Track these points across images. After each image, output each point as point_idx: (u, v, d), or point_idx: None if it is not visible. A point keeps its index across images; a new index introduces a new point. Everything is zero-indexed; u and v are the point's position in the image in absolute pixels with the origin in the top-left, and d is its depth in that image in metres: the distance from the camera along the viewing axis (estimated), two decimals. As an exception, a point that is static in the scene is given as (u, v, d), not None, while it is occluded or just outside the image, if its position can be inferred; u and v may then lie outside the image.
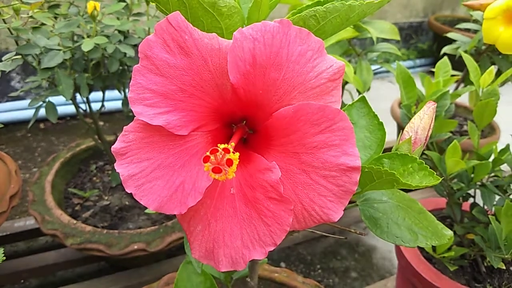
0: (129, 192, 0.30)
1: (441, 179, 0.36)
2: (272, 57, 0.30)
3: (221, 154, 0.27)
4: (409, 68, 2.82)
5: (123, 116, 2.00)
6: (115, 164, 0.30)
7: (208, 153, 0.27)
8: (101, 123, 1.90)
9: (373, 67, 1.18)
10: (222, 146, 0.28)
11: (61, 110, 1.88)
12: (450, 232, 0.49)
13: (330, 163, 0.30)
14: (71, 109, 1.88)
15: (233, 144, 0.29)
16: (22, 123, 1.86)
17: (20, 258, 1.11)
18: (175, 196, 0.30)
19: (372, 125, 0.48)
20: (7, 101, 1.93)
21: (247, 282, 0.62)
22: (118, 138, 0.31)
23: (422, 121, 0.43)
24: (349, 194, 0.30)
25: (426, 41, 3.06)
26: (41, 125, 1.88)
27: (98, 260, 1.16)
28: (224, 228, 0.30)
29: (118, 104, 1.92)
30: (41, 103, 0.76)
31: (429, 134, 0.44)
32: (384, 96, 2.06)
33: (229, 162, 0.27)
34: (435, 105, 0.44)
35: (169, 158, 0.31)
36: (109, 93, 0.96)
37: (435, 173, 0.37)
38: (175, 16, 0.30)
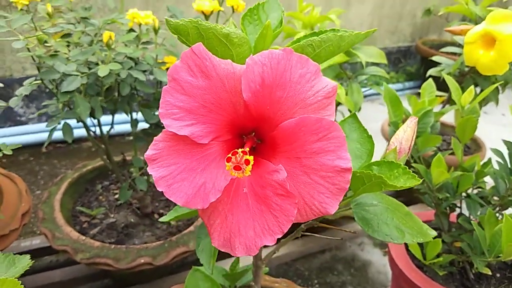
0: (160, 190, 0.35)
1: (421, 180, 0.42)
2: (278, 78, 0.37)
3: (239, 155, 0.34)
4: (398, 90, 2.92)
5: (123, 139, 2.07)
6: (148, 168, 0.36)
7: (230, 155, 0.34)
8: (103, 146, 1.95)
9: (364, 89, 1.26)
10: (241, 149, 0.34)
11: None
12: (434, 232, 0.55)
13: (327, 165, 0.36)
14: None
15: (247, 149, 0.35)
16: (25, 147, 1.91)
17: (25, 277, 1.15)
18: (199, 194, 0.36)
19: (362, 138, 0.55)
20: (9, 126, 1.98)
21: (252, 287, 0.67)
22: (150, 147, 0.37)
23: (406, 133, 0.50)
24: (342, 191, 0.36)
25: (414, 64, 3.18)
26: (44, 149, 1.93)
27: (103, 277, 1.20)
28: (239, 221, 0.36)
29: (118, 128, 1.99)
30: (57, 125, 0.81)
31: (411, 145, 0.50)
32: (375, 117, 2.14)
33: (247, 162, 0.34)
34: (417, 119, 0.51)
35: (192, 163, 0.37)
36: (108, 118, 1.02)
37: (416, 176, 0.43)
38: (198, 46, 0.37)
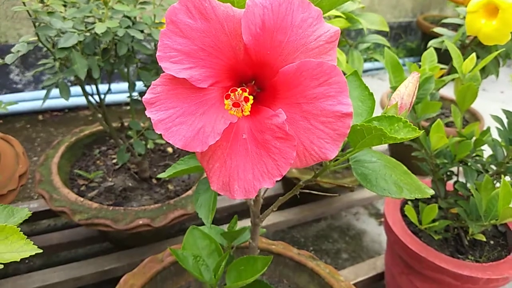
0: (159, 133, 0.35)
1: (421, 132, 0.42)
2: (279, 22, 0.36)
3: (239, 93, 0.33)
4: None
5: (120, 108, 2.05)
6: (146, 111, 0.36)
7: (229, 92, 0.33)
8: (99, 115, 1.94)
9: (365, 66, 1.25)
10: (240, 88, 0.34)
11: (60, 102, 1.93)
12: (431, 191, 0.55)
13: (327, 111, 0.36)
14: (69, 101, 1.92)
15: (246, 89, 0.35)
16: (22, 114, 1.90)
17: (25, 239, 1.16)
18: (198, 137, 0.35)
19: (363, 96, 0.54)
20: (5, 93, 1.96)
21: (249, 245, 0.68)
22: (148, 91, 0.36)
23: (407, 89, 0.49)
24: (343, 136, 0.36)
25: (414, 40, 3.14)
26: (40, 117, 1.92)
27: (101, 240, 1.21)
28: (238, 165, 0.36)
29: (114, 97, 1.98)
30: (53, 83, 0.80)
31: (413, 100, 0.50)
32: (374, 91, 2.13)
33: (246, 99, 0.33)
34: (419, 74, 0.50)
35: (191, 107, 0.36)
36: (105, 87, 1.01)
37: (417, 128, 0.43)
38: (197, -13, 0.36)
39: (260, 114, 0.38)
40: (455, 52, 0.90)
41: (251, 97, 0.34)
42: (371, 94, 0.54)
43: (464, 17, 1.27)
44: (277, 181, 0.35)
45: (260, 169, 0.35)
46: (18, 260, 0.46)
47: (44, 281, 1.03)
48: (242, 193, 0.35)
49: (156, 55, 0.36)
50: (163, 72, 0.36)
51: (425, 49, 1.05)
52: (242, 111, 0.33)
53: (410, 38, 3.15)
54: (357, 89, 0.55)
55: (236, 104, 0.33)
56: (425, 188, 0.55)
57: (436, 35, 1.28)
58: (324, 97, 0.36)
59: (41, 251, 0.48)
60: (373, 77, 2.78)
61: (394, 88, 0.85)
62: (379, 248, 1.36)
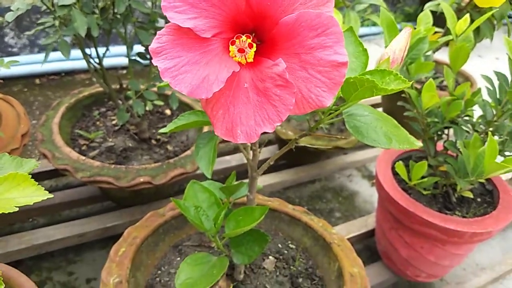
0: (165, 80, 0.37)
1: (411, 82, 0.45)
2: (279, -26, 0.38)
3: (243, 40, 0.35)
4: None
5: (116, 73, 2.05)
6: (153, 60, 0.38)
7: (234, 39, 0.35)
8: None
9: (361, 31, 1.25)
10: (245, 35, 0.36)
11: (57, 65, 1.92)
12: (419, 143, 0.58)
13: (324, 60, 0.38)
14: (66, 65, 1.92)
15: (250, 35, 0.37)
16: (18, 78, 1.90)
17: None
18: (203, 84, 0.38)
19: (358, 52, 0.56)
20: (1, 57, 1.95)
21: (247, 197, 0.72)
22: (153, 40, 0.38)
23: (399, 44, 0.51)
24: (338, 85, 0.38)
25: (412, 5, 3.11)
26: (37, 81, 1.92)
27: (102, 200, 1.25)
28: (241, 112, 0.38)
29: (111, 61, 1.97)
30: (53, 41, 0.81)
31: (404, 55, 0.52)
32: (371, 56, 2.13)
33: (250, 45, 0.36)
34: (410, 30, 0.52)
35: (196, 56, 0.38)
36: (103, 50, 1.01)
37: (406, 80, 0.46)
38: None
39: (261, 64, 0.40)
40: (449, 13, 0.91)
41: (254, 44, 0.36)
42: (365, 50, 0.56)
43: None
44: (277, 125, 0.37)
45: (261, 115, 0.38)
46: (31, 203, 0.49)
47: (49, 237, 1.07)
48: (244, 137, 0.38)
49: (161, 4, 0.38)
50: (167, 22, 0.38)
51: (424, 8, 1.07)
52: (246, 57, 0.36)
53: (408, 2, 3.12)
54: (352, 45, 0.57)
55: (241, 50, 0.35)
56: (414, 140, 0.58)
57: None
58: (322, 47, 0.38)
59: (52, 196, 0.51)
60: (370, 42, 2.77)
61: (388, 48, 0.87)
62: (371, 208, 1.41)
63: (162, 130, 0.64)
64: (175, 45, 0.38)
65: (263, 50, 0.42)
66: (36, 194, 0.49)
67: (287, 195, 1.43)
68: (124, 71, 2.05)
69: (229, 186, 0.75)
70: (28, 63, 1.92)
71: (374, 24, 2.64)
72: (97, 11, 0.84)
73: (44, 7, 0.81)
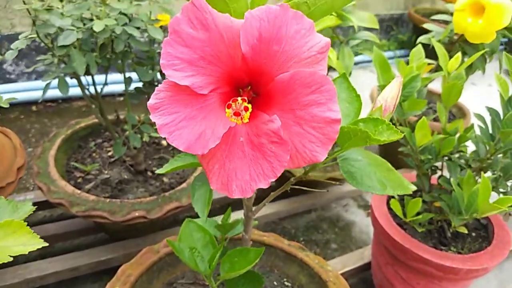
0: (163, 136, 0.38)
1: (403, 134, 0.45)
2: (274, 33, 0.39)
3: (239, 102, 0.36)
4: (390, 58, 2.93)
5: (114, 99, 2.06)
6: (151, 116, 0.39)
7: (230, 102, 0.36)
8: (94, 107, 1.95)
9: (356, 58, 1.28)
10: (240, 97, 0.37)
11: (54, 93, 1.93)
12: (413, 187, 0.58)
13: (318, 116, 0.39)
14: (63, 92, 1.93)
15: (245, 98, 0.38)
16: (15, 105, 1.90)
17: (21, 230, 1.18)
18: (199, 140, 0.38)
19: (351, 98, 0.57)
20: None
21: (242, 237, 0.71)
22: (152, 96, 0.39)
23: (391, 92, 0.53)
24: (332, 140, 0.39)
25: (406, 33, 3.18)
26: (34, 108, 1.93)
27: (97, 231, 1.24)
28: (236, 166, 0.39)
29: (109, 88, 1.98)
30: (51, 80, 0.82)
31: (396, 103, 0.53)
32: (366, 84, 2.16)
33: (246, 108, 0.36)
34: (402, 78, 0.54)
35: (193, 112, 0.39)
36: (100, 78, 1.03)
37: (399, 131, 0.47)
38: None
39: (257, 119, 0.41)
40: (440, 51, 0.93)
41: (250, 106, 0.37)
42: (358, 96, 0.57)
43: (452, 13, 1.30)
44: (271, 181, 0.38)
45: (256, 171, 0.38)
46: (26, 253, 0.49)
47: (42, 271, 1.05)
48: (239, 193, 0.38)
49: (160, 62, 0.39)
50: (164, 77, 0.39)
51: (416, 41, 1.09)
52: (242, 119, 0.36)
53: (401, 30, 3.18)
54: (346, 91, 0.58)
55: (236, 113, 0.36)
56: (407, 184, 0.58)
57: (427, 30, 1.32)
58: (316, 104, 0.39)
59: (47, 244, 0.51)
60: (364, 69, 2.81)
61: (382, 87, 0.88)
62: (367, 238, 1.40)
63: (158, 171, 0.64)
64: (173, 101, 0.39)
65: (259, 102, 0.43)
66: (31, 243, 0.49)
67: (282, 225, 1.43)
68: (122, 98, 2.06)
69: (225, 224, 0.75)
70: (25, 90, 1.93)
71: (370, 49, 2.69)
72: (96, 48, 0.85)
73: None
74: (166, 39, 0.39)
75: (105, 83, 0.98)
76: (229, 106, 0.36)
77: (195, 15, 0.39)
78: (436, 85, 1.73)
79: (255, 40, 0.39)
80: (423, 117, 0.84)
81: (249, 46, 0.39)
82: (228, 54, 0.40)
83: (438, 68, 1.34)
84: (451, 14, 1.30)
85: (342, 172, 0.54)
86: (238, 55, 0.40)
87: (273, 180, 0.38)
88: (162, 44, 0.40)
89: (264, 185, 0.38)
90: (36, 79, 2.02)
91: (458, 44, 1.30)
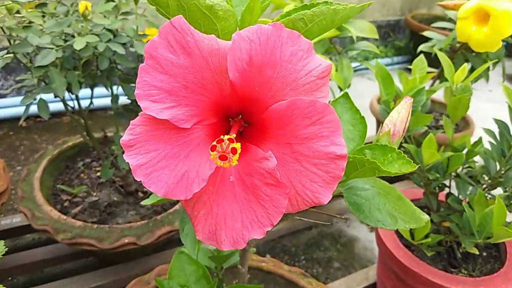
0: (138, 180, 0.32)
1: (417, 166, 0.40)
2: (267, 56, 0.34)
3: (225, 143, 0.31)
4: (387, 65, 2.89)
5: (105, 113, 2.01)
6: (124, 155, 0.33)
7: (214, 143, 0.31)
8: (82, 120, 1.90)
9: (353, 64, 1.23)
10: (227, 136, 0.31)
11: (43, 108, 1.88)
12: (426, 217, 0.53)
13: (320, 152, 0.33)
14: (53, 107, 1.86)
15: (234, 135, 0.32)
16: (4, 121, 1.85)
17: (7, 256, 1.12)
18: (181, 183, 0.33)
19: (355, 119, 0.52)
20: (-13, 99, 1.91)
21: (238, 269, 0.66)
22: (126, 131, 0.34)
23: (400, 115, 0.47)
24: (336, 179, 0.34)
25: (403, 39, 3.14)
26: (24, 124, 1.87)
27: (86, 255, 1.18)
28: (225, 212, 0.33)
29: (99, 102, 1.92)
30: (32, 100, 0.77)
31: (406, 127, 0.48)
32: (363, 92, 2.12)
33: (234, 151, 0.31)
34: (412, 100, 0.48)
35: (174, 149, 0.34)
36: (88, 92, 0.97)
37: (412, 161, 0.41)
38: (178, 19, 0.33)
39: (249, 154, 0.35)
40: (446, 62, 0.88)
41: (238, 146, 0.31)
42: (363, 118, 0.51)
43: (454, 21, 1.26)
44: (267, 231, 0.32)
45: (249, 217, 0.33)
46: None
47: (29, 300, 0.99)
48: (230, 244, 0.33)
49: (135, 93, 0.33)
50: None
51: (414, 47, 1.04)
52: (230, 162, 0.31)
53: (398, 36, 3.14)
54: (348, 111, 0.53)
55: (223, 157, 0.31)
56: (419, 214, 0.53)
57: (425, 36, 1.27)
58: (317, 137, 0.33)
59: None
60: (362, 76, 2.76)
61: (385, 103, 0.83)
62: (371, 255, 1.34)
63: (144, 202, 0.59)
64: (150, 137, 0.34)
65: (251, 134, 0.38)
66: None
67: (282, 243, 1.37)
68: (112, 112, 2.01)
69: (220, 255, 0.69)
70: (14, 106, 1.87)
71: (367, 59, 2.65)
72: (78, 66, 0.80)
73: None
74: (141, 66, 0.34)
75: (91, 102, 0.92)
76: (213, 148, 0.31)
77: (175, 37, 0.33)
78: (436, 94, 1.68)
79: (245, 65, 0.33)
80: (430, 134, 0.78)
81: (238, 72, 0.33)
82: (214, 82, 0.34)
83: (439, 76, 1.29)
84: (449, 20, 1.26)
85: (348, 204, 0.48)
86: (226, 82, 0.35)
87: (269, 229, 0.32)
88: (138, 71, 0.34)
89: (259, 235, 0.32)
90: (25, 94, 1.96)
91: (460, 52, 1.25)
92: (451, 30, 1.24)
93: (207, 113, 0.35)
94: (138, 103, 0.33)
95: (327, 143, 0.33)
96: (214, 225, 0.34)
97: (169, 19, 0.35)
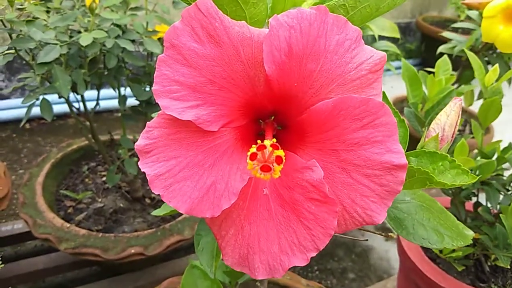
0: (156, 193, 0.27)
1: (477, 177, 0.34)
2: (309, 46, 0.28)
3: (268, 151, 0.25)
4: (397, 68, 2.83)
5: (112, 115, 1.96)
6: (139, 163, 0.28)
7: (254, 150, 0.25)
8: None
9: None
10: (268, 142, 0.25)
11: (48, 109, 1.83)
12: (471, 233, 0.47)
13: (373, 161, 0.28)
14: (58, 108, 1.82)
15: (274, 140, 0.26)
16: (7, 123, 1.80)
17: (8, 264, 1.07)
18: (207, 198, 0.27)
19: (393, 122, 0.46)
20: (-10, 100, 1.86)
21: (256, 286, 0.60)
22: (142, 135, 0.28)
23: (449, 118, 0.42)
24: (393, 194, 0.28)
25: (413, 42, 3.08)
26: (27, 125, 1.82)
27: (90, 264, 1.12)
28: (259, 232, 0.28)
29: (106, 103, 1.88)
30: (34, 100, 0.72)
31: (455, 131, 0.42)
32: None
33: (279, 160, 0.25)
34: (461, 101, 0.43)
35: (198, 156, 0.28)
36: (94, 94, 0.92)
37: (469, 171, 0.35)
38: (205, 2, 0.28)
39: (286, 162, 0.29)
40: (476, 63, 0.82)
41: (282, 153, 0.25)
42: (403, 121, 0.46)
43: (476, 21, 1.20)
44: (311, 257, 0.27)
45: (288, 239, 0.27)
46: None
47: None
48: (265, 271, 0.27)
49: (153, 89, 0.28)
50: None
51: (425, 50, 0.98)
52: (272, 174, 0.25)
53: (409, 39, 3.09)
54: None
55: (265, 168, 0.25)
56: (463, 229, 0.47)
57: (439, 38, 1.21)
58: (369, 143, 0.28)
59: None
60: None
61: (413, 105, 0.77)
62: (387, 266, 1.28)
63: (155, 212, 0.53)
64: (170, 142, 0.28)
65: (286, 138, 0.32)
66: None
67: (294, 252, 1.31)
68: (120, 114, 1.96)
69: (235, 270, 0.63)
70: (18, 107, 1.83)
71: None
72: (84, 64, 0.75)
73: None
74: (160, 57, 0.28)
75: (97, 104, 0.87)
76: (253, 157, 0.25)
77: (201, 23, 0.28)
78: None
79: (283, 57, 0.28)
80: (462, 139, 0.72)
81: (276, 64, 0.28)
82: (246, 76, 0.29)
83: (459, 78, 1.24)
84: (467, 19, 1.20)
85: (388, 219, 0.43)
86: (260, 77, 0.29)
87: (314, 255, 0.27)
88: (156, 62, 0.29)
89: (301, 262, 0.27)
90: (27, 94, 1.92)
91: (482, 53, 1.19)
92: (469, 30, 1.19)
93: (237, 114, 0.30)
94: (157, 101, 0.28)
95: (381, 150, 0.28)
96: (245, 247, 0.28)
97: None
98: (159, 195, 0.28)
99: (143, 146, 0.28)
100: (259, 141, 0.26)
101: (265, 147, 0.25)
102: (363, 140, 0.28)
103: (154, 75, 0.28)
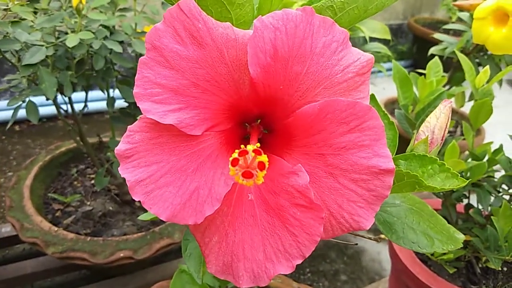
0: (137, 200, 0.26)
1: (467, 181, 0.34)
2: (295, 48, 0.27)
3: (250, 156, 0.24)
4: (389, 70, 2.84)
5: (102, 117, 1.94)
6: (119, 168, 0.27)
7: (236, 155, 0.24)
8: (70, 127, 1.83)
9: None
10: (251, 147, 0.25)
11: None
12: (462, 236, 0.47)
13: (360, 165, 0.27)
14: (47, 110, 1.80)
15: (258, 145, 0.26)
16: (-5, 124, 1.78)
17: (-4, 268, 1.05)
18: (189, 204, 0.26)
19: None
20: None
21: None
22: (122, 139, 0.27)
23: (439, 120, 0.41)
24: (381, 199, 0.27)
25: (405, 43, 3.09)
26: (17, 127, 1.80)
27: (79, 268, 1.11)
28: (244, 239, 0.27)
29: (96, 105, 1.86)
30: (20, 103, 0.70)
31: (445, 134, 0.42)
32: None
33: (261, 166, 0.24)
34: (451, 103, 0.42)
35: (180, 161, 0.27)
36: (83, 95, 0.90)
37: (459, 174, 0.35)
38: (188, 2, 0.27)
39: (270, 167, 0.29)
40: (467, 65, 0.82)
41: (265, 159, 0.25)
42: (392, 123, 0.45)
43: (466, 23, 1.20)
44: (297, 264, 0.26)
45: (273, 246, 0.26)
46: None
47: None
48: (250, 279, 0.26)
49: (134, 92, 0.27)
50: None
51: (417, 52, 0.98)
52: (255, 180, 0.24)
53: (401, 41, 3.10)
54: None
55: (247, 174, 0.24)
56: (454, 233, 0.47)
57: (430, 39, 1.22)
58: (356, 147, 0.27)
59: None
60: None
61: (403, 107, 0.77)
62: (379, 268, 1.28)
63: (141, 217, 0.52)
64: (152, 146, 0.27)
65: (272, 143, 0.31)
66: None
67: (286, 254, 1.30)
68: (108, 116, 1.94)
69: (224, 274, 0.62)
70: (6, 109, 1.80)
71: (377, 61, 2.59)
72: (72, 66, 0.73)
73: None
74: (142, 59, 0.27)
75: (85, 105, 0.86)
76: (234, 163, 0.24)
77: (184, 24, 0.27)
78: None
79: (268, 59, 0.27)
80: (453, 141, 0.72)
81: (261, 67, 0.27)
82: (230, 79, 0.28)
83: (450, 80, 1.24)
84: (458, 21, 1.20)
85: (377, 223, 0.42)
86: (245, 79, 0.28)
87: (300, 262, 0.26)
88: (137, 65, 0.28)
89: (286, 269, 0.26)
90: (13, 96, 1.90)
91: (472, 55, 1.20)
92: (460, 32, 1.19)
93: (221, 117, 0.29)
94: (138, 105, 0.27)
95: (369, 154, 0.27)
96: (229, 255, 0.27)
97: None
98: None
99: (124, 151, 0.27)
100: (242, 146, 0.25)
101: (247, 152, 0.24)
102: (350, 144, 0.27)
103: (135, 77, 0.27)
